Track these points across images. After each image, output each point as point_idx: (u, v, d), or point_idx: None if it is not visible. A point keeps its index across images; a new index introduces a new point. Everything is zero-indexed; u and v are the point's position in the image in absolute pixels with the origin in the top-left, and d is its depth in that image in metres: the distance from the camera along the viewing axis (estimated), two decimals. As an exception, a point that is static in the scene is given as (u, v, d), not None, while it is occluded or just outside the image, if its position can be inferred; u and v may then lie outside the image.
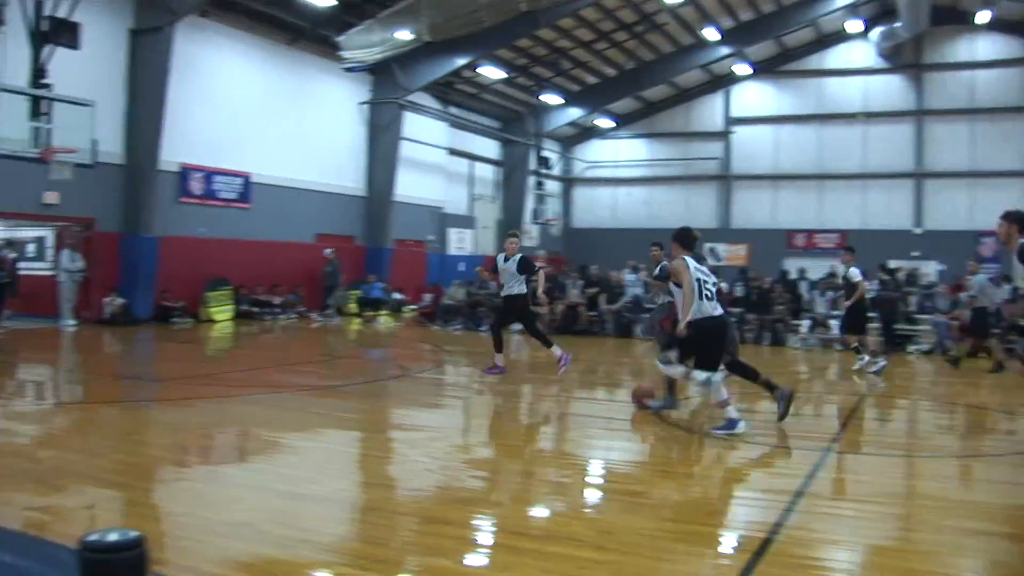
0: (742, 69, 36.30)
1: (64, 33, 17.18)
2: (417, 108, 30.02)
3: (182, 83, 21.64)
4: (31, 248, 24.14)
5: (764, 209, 37.46)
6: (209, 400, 10.66)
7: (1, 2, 17.40)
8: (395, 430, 9.69)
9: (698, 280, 8.79)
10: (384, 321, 25.64)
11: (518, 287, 12.78)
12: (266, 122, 24.79)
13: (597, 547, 5.13)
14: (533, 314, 13.36)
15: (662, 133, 39.85)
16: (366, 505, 6.32)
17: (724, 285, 20.95)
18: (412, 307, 27.72)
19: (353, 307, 26.64)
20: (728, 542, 5.58)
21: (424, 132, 30.95)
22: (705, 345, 8.85)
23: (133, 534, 1.06)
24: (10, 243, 21.90)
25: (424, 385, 12.83)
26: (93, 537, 1.04)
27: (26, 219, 21.08)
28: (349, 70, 26.76)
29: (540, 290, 12.98)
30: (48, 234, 23.43)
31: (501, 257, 12.98)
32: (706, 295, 8.83)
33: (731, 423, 8.72)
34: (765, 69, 37.05)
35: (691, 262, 8.91)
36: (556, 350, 12.79)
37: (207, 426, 9.24)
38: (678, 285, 8.89)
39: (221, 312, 22.96)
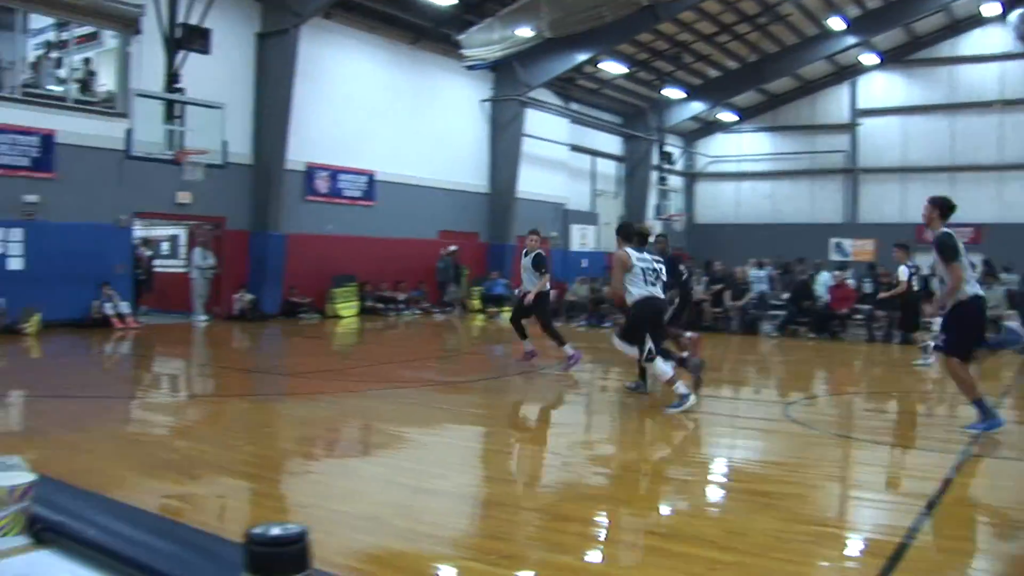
0: (869, 59, 35.18)
1: (196, 39, 17.68)
2: (538, 104, 30.06)
3: (307, 84, 22.09)
4: (165, 246, 24.93)
5: (892, 203, 36.32)
6: (335, 395, 10.86)
7: (138, 13, 18.08)
8: (518, 426, 9.72)
9: (642, 268, 9.84)
10: (507, 317, 25.72)
11: (536, 283, 13.16)
12: (389, 121, 25.13)
13: (726, 548, 5.01)
14: (546, 311, 13.54)
15: (786, 126, 39.03)
16: (490, 500, 6.33)
17: (851, 282, 20.59)
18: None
19: (476, 303, 26.84)
20: (861, 546, 5.33)
21: (546, 128, 30.99)
22: (640, 323, 9.84)
23: (297, 528, 1.11)
24: (146, 241, 22.65)
25: (547, 381, 12.85)
26: (258, 530, 1.09)
27: (161, 218, 21.80)
28: (470, 68, 26.95)
29: (538, 287, 13.18)
30: (181, 232, 24.17)
31: (524, 253, 13.41)
32: (649, 281, 9.88)
33: (683, 398, 9.53)
34: (893, 58, 35.83)
35: (633, 252, 9.95)
36: (568, 348, 12.94)
37: (334, 420, 9.43)
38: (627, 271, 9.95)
39: (347, 308, 23.36)
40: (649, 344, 9.78)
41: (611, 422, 10.23)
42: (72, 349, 15.69)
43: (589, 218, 35.16)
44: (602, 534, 5.60)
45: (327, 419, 9.39)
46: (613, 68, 30.65)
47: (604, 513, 5.98)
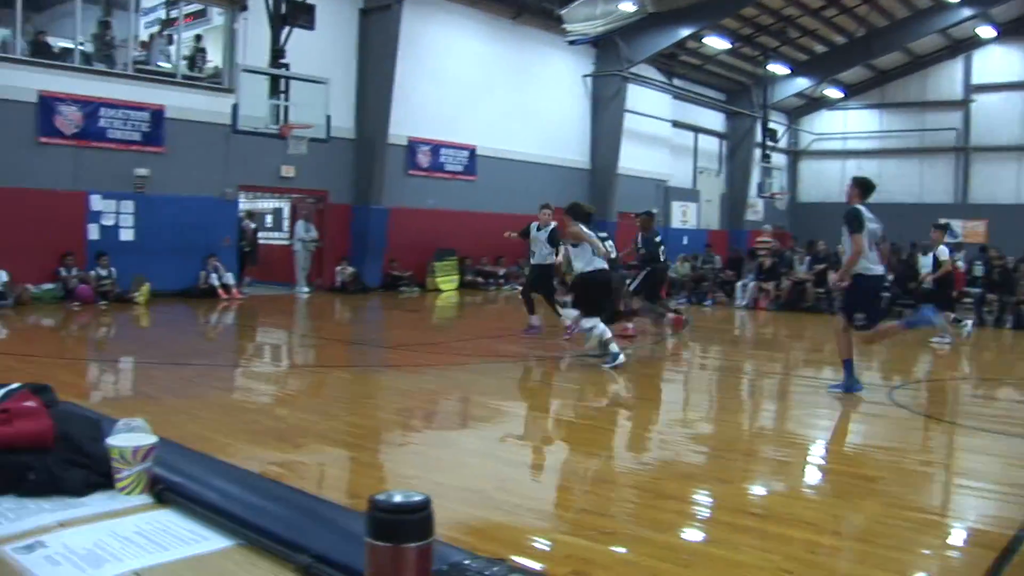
0: (986, 32, 33.57)
1: (301, 15, 17.88)
2: (640, 80, 29.77)
3: (409, 59, 22.21)
4: (269, 219, 25.39)
5: (1008, 183, 34.97)
6: (435, 367, 10.96)
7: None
8: (617, 402, 9.70)
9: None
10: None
11: (550, 257, 13.84)
12: (491, 96, 25.16)
13: (825, 531, 4.92)
14: (553, 286, 14.22)
15: (894, 103, 37.83)
16: (589, 476, 6.32)
17: (961, 264, 20.03)
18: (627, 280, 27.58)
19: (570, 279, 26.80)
20: (970, 538, 5.12)
21: (648, 104, 30.67)
22: (589, 292, 10.98)
23: (420, 496, 1.12)
24: (251, 214, 23.09)
25: (646, 358, 12.82)
26: (382, 497, 1.10)
27: (265, 191, 22.23)
28: (572, 43, 26.84)
29: (559, 261, 13.89)
30: (285, 206, 24.58)
31: (534, 226, 13.90)
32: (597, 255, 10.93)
33: (614, 356, 10.73)
34: (1012, 30, 34.08)
35: (584, 229, 10.97)
36: (567, 321, 13.00)
37: (434, 393, 9.51)
38: (575, 246, 11.03)
39: (447, 282, 23.54)
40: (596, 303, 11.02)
41: (709, 400, 10.17)
42: (180, 318, 16.08)
43: (690, 195, 34.79)
44: (700, 513, 5.55)
45: (428, 391, 9.48)
46: (716, 43, 30.19)
47: (702, 492, 5.91)
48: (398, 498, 1.11)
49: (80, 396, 7.75)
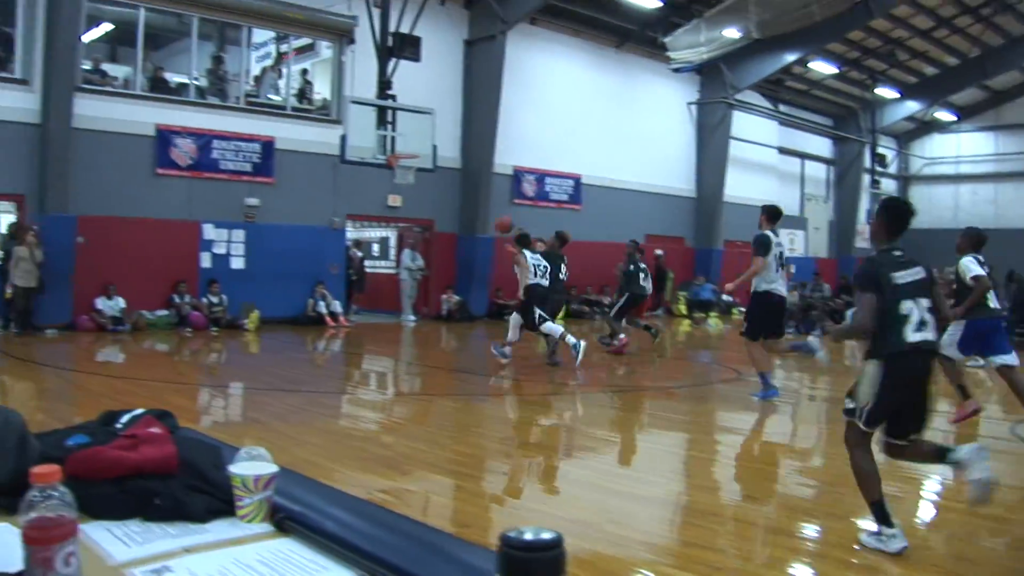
0: (1106, 49, 32.61)
1: (407, 47, 18.13)
2: (746, 107, 29.52)
3: (514, 88, 22.35)
4: (376, 248, 25.69)
5: None
6: (540, 396, 10.94)
7: (352, 24, 18.76)
8: (725, 433, 9.51)
9: (533, 265, 13.25)
10: (714, 323, 25.42)
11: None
12: (595, 124, 25.14)
13: (951, 573, 4.72)
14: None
15: (1011, 125, 36.58)
16: (698, 509, 6.20)
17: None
18: (742, 309, 27.18)
19: (682, 308, 26.59)
20: None
21: (753, 131, 30.38)
22: (530, 303, 13.07)
23: (552, 534, 1.10)
24: (358, 243, 23.39)
25: (755, 389, 12.61)
26: (513, 534, 1.08)
27: (372, 220, 22.52)
28: (676, 71, 26.75)
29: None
30: (392, 235, 24.87)
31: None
32: (539, 274, 13.25)
33: (576, 345, 12.52)
34: None
35: (528, 253, 13.41)
36: (498, 348, 13.82)
37: (540, 422, 9.49)
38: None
39: (552, 311, 23.50)
40: (538, 312, 13.00)
41: (818, 432, 9.95)
42: (288, 345, 16.33)
43: (798, 223, 34.22)
44: (811, 549, 5.37)
45: (533, 421, 9.46)
46: (823, 68, 29.84)
47: (814, 527, 5.74)
48: (529, 535, 1.09)
49: (191, 420, 7.91)
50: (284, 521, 1.76)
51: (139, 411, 2.23)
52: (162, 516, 1.77)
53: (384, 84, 17.90)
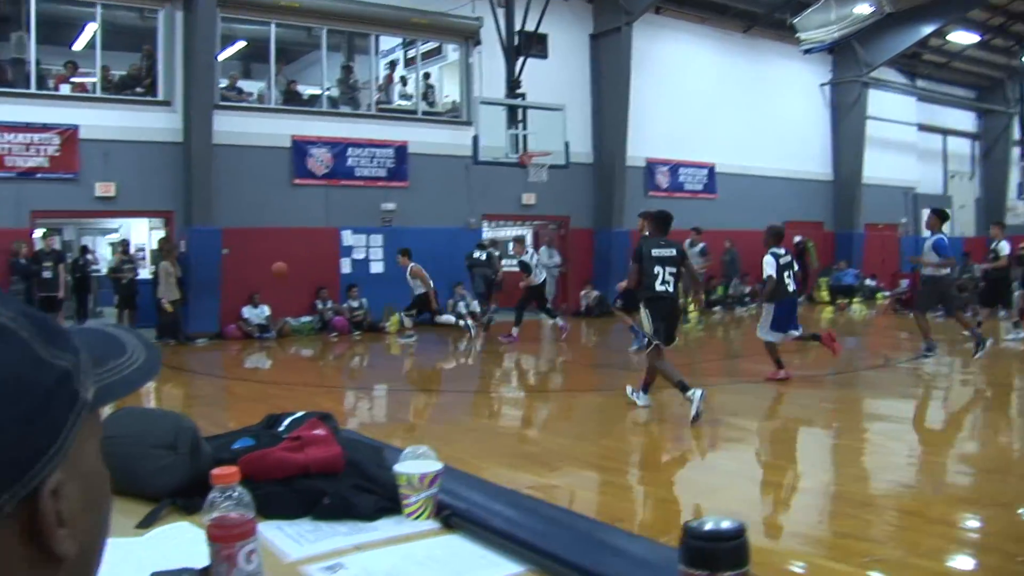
0: None
1: (534, 45, 18.21)
2: (882, 84, 28.63)
3: (642, 80, 22.17)
4: (511, 247, 25.79)
5: None
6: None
7: (477, 25, 18.91)
8: (876, 421, 9.23)
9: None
10: (857, 308, 24.81)
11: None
12: (726, 111, 24.76)
13: None
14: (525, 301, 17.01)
15: None
16: (852, 499, 5.98)
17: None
18: (886, 293, 26.51)
19: (824, 294, 26.03)
20: None
21: (891, 109, 29.39)
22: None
23: (734, 523, 1.08)
24: (494, 242, 23.54)
25: (904, 375, 12.26)
26: (695, 524, 1.07)
27: (507, 219, 22.65)
28: (807, 52, 26.13)
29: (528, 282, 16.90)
30: (527, 233, 24.95)
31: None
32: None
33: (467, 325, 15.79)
34: None
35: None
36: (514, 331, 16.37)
37: (684, 415, 9.41)
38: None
39: (690, 302, 23.28)
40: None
41: (972, 418, 9.62)
42: (429, 346, 16.52)
43: (942, 201, 33.00)
44: (972, 539, 5.17)
45: (678, 414, 9.37)
46: (963, 38, 28.66)
47: (977, 516, 5.52)
48: (710, 525, 1.06)
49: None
50: (451, 518, 1.77)
51: (300, 413, 2.27)
52: (331, 515, 1.81)
53: (513, 83, 17.99)
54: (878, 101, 28.34)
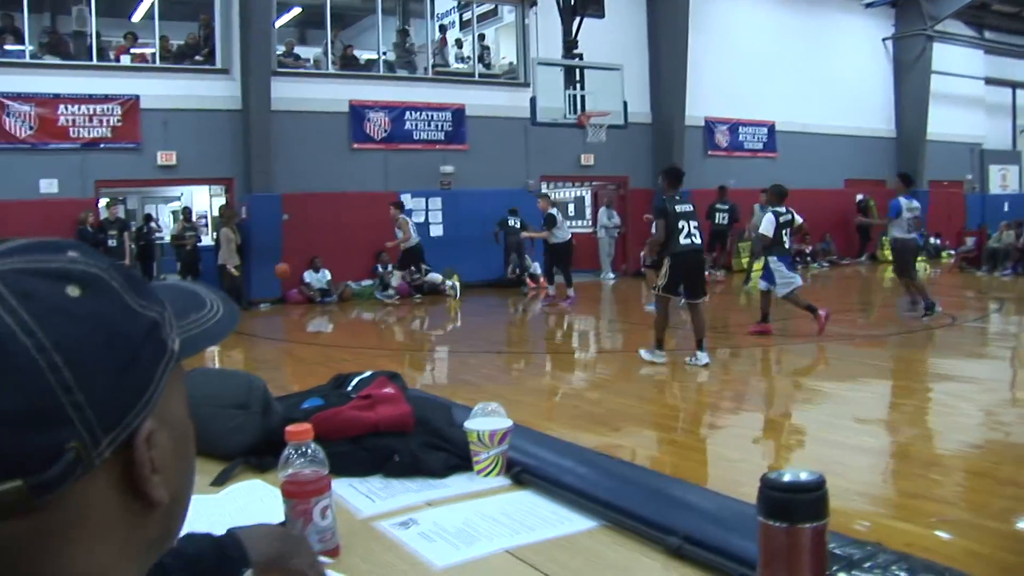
0: None
1: (590, 4, 18.06)
2: (947, 37, 27.84)
3: (700, 37, 21.86)
4: (571, 208, 25.76)
5: None
6: (749, 348, 10.77)
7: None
8: (942, 381, 9.09)
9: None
10: (921, 267, 24.42)
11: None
12: (786, 68, 24.36)
13: None
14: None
15: None
16: (919, 459, 5.90)
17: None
18: (951, 252, 26.08)
19: (887, 254, 25.64)
20: None
21: (956, 63, 28.58)
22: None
23: (814, 475, 1.06)
24: (553, 204, 23.48)
25: (971, 334, 12.06)
26: (773, 476, 1.06)
27: (566, 180, 22.59)
28: (869, 6, 25.67)
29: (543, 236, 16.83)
30: (586, 194, 24.88)
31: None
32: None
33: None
34: None
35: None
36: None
37: (749, 374, 9.35)
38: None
39: (754, 262, 23.11)
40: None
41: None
42: (490, 308, 16.57)
43: (1010, 157, 32.24)
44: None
45: (742, 373, 9.33)
46: (1035, -14, 27.90)
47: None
48: (789, 476, 1.05)
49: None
50: (521, 474, 1.78)
51: (368, 373, 2.29)
52: (401, 472, 1.82)
53: (570, 43, 17.88)
54: (943, 55, 27.62)
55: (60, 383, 0.58)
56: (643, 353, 9.43)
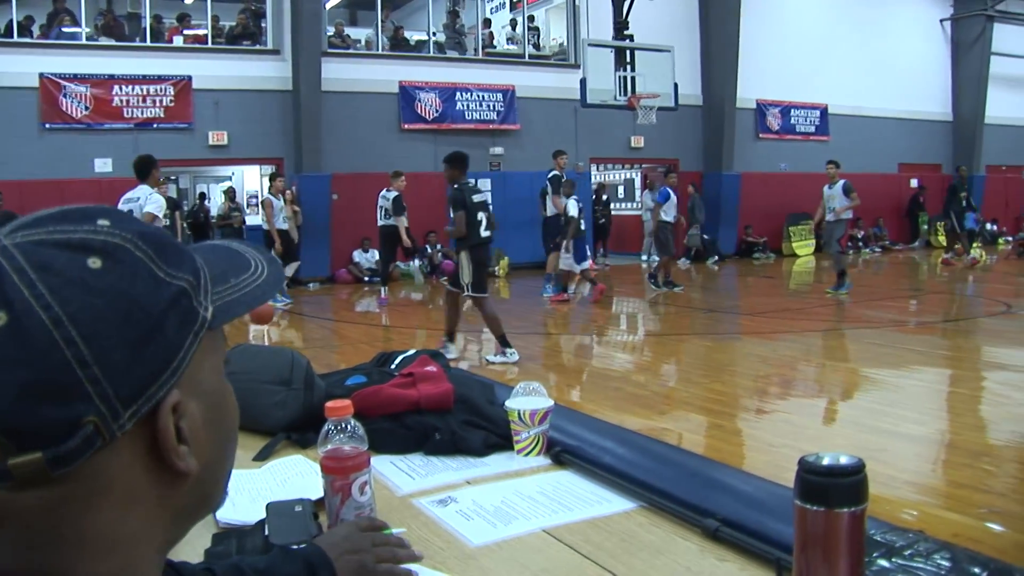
0: None
1: (643, -17, 17.95)
2: (1008, 17, 27.09)
3: (752, 19, 21.64)
4: (620, 190, 25.67)
5: None
6: (796, 334, 10.68)
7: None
8: (995, 369, 8.96)
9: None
10: (977, 254, 24.07)
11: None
12: (838, 50, 24.04)
13: None
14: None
15: None
16: (969, 449, 5.78)
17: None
18: (1009, 239, 25.67)
19: (941, 239, 25.32)
20: None
21: (1018, 44, 27.77)
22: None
23: (853, 459, 1.05)
24: (602, 186, 23.43)
25: (1018, 321, 11.88)
26: (811, 459, 1.05)
27: (616, 163, 22.50)
28: (924, -13, 25.31)
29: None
30: (636, 176, 24.78)
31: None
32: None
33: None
34: None
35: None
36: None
37: (796, 360, 9.27)
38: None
39: (803, 247, 22.93)
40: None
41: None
42: (537, 290, 16.51)
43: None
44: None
45: (789, 358, 9.25)
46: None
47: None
48: (828, 460, 1.04)
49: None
50: (561, 454, 1.78)
51: (411, 351, 2.29)
52: (441, 450, 1.83)
53: (620, 25, 17.79)
54: (1003, 35, 27.02)
55: (76, 357, 0.58)
56: (491, 358, 8.97)
